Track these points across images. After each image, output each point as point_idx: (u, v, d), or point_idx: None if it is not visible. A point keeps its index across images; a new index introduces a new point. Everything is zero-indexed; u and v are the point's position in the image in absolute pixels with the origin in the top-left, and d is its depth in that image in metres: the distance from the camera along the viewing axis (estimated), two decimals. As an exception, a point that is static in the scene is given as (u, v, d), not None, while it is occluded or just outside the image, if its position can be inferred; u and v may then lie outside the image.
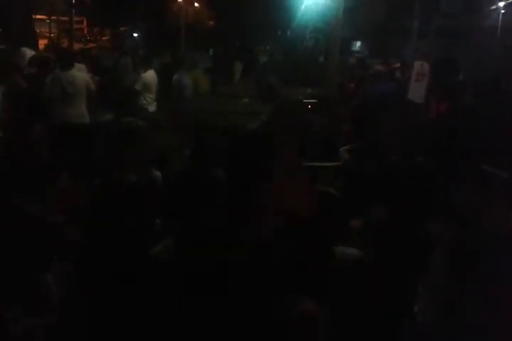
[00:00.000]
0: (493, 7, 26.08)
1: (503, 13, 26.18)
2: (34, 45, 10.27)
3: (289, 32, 22.23)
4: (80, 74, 6.15)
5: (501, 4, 26.18)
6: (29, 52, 7.41)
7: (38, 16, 23.62)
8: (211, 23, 29.65)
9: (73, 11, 22.52)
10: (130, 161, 2.44)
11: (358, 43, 28.40)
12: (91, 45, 22.18)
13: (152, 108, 7.64)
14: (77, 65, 6.34)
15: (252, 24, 22.71)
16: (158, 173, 2.70)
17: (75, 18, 25.13)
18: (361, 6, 21.28)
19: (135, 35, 29.77)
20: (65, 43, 18.57)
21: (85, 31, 37.47)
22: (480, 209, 1.89)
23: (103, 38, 33.19)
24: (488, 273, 1.75)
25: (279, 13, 21.32)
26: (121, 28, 31.76)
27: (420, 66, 6.14)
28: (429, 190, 2.52)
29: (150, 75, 7.84)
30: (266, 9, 22.72)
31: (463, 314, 1.84)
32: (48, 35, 26.38)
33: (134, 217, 2.25)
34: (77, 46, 17.10)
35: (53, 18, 28.09)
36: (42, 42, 15.15)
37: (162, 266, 2.02)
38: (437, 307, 1.97)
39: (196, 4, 29.84)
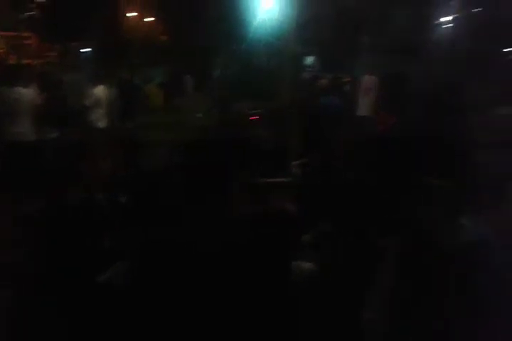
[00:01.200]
0: (441, 21, 27.10)
1: (447, 29, 27.24)
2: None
3: (242, 46, 22.42)
4: (27, 90, 5.99)
5: (445, 19, 27.24)
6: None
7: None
8: (164, 37, 29.55)
9: (22, 26, 21.98)
10: (76, 180, 2.36)
11: (311, 58, 28.88)
12: (40, 60, 21.69)
13: (103, 124, 7.51)
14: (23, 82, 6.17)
15: (206, 38, 22.76)
16: (106, 193, 2.62)
17: (24, 34, 24.54)
18: (312, 21, 21.67)
19: (86, 50, 29.30)
20: (12, 59, 18.09)
21: (34, 47, 36.57)
22: (425, 220, 1.93)
23: (52, 54, 32.48)
24: (436, 282, 1.77)
25: (233, 27, 21.47)
26: (72, 44, 31.18)
27: (368, 80, 6.30)
28: (376, 202, 2.56)
29: (101, 91, 7.72)
30: (219, 23, 22.84)
31: (409, 322, 1.86)
32: (-5, 50, 25.60)
33: (77, 240, 2.17)
34: (25, 62, 16.68)
35: (1, 33, 27.32)
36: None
37: (114, 291, 1.94)
38: (384, 316, 1.99)
39: (149, 19, 29.72)
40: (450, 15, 26.69)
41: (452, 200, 1.94)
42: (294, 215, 2.61)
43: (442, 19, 27.49)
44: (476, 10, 24.63)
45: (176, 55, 19.95)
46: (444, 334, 1.75)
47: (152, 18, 29.58)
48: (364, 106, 6.12)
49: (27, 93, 5.83)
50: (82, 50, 30.24)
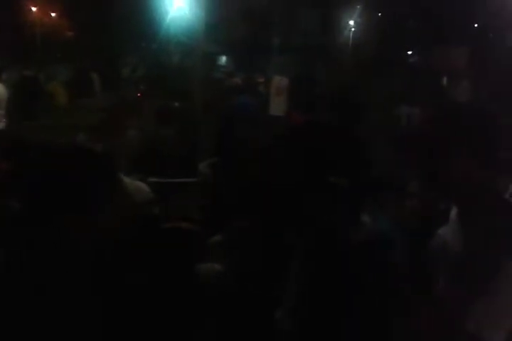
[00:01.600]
0: (345, 25, 28.30)
1: (353, 31, 28.51)
2: None
3: (153, 45, 22.01)
4: None
5: (351, 23, 28.50)
6: None
7: None
8: (70, 33, 28.30)
9: None
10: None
11: (224, 58, 28.98)
12: None
13: (1, 125, 7.03)
14: None
15: (115, 36, 22.10)
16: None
17: None
18: (223, 21, 21.77)
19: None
20: None
21: None
22: (328, 217, 1.96)
23: None
24: (339, 280, 1.80)
25: (143, 25, 21.02)
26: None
27: (279, 81, 6.40)
28: (285, 201, 2.57)
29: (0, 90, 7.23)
30: (129, 21, 22.27)
31: (318, 320, 1.88)
32: None
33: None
34: None
35: None
36: None
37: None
38: (294, 314, 2.01)
39: (53, 14, 28.33)
40: (357, 18, 27.99)
41: (353, 198, 1.98)
42: (196, 217, 2.57)
43: (349, 21, 28.77)
44: (380, 13, 25.98)
45: (82, 52, 19.19)
46: (352, 332, 1.78)
47: (58, 13, 28.28)
48: (276, 106, 6.20)
49: None
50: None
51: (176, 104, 5.46)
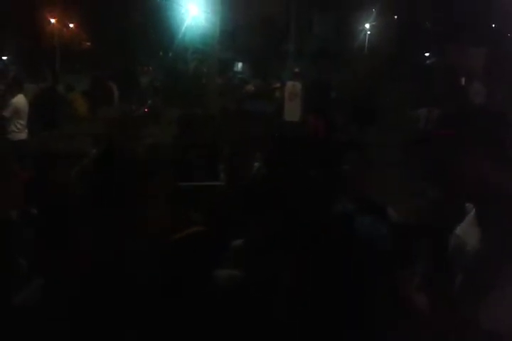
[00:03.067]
0: (360, 29, 28.24)
1: (369, 35, 28.44)
2: None
3: (170, 53, 22.24)
4: None
5: (367, 26, 28.44)
6: None
7: None
8: (88, 44, 28.77)
9: None
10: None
11: (240, 64, 29.13)
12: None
13: (23, 135, 7.18)
14: None
15: (132, 45, 22.39)
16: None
17: None
18: (238, 28, 21.93)
19: (4, 58, 28.01)
20: None
21: None
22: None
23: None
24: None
25: (160, 33, 21.27)
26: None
27: (292, 86, 6.42)
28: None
29: (20, 100, 7.38)
30: (146, 30, 22.56)
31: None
32: None
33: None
34: None
35: None
36: None
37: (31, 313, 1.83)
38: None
39: (71, 25, 28.85)
40: (372, 21, 27.92)
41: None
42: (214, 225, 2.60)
43: (364, 26, 28.70)
44: (396, 16, 25.88)
45: (100, 62, 19.46)
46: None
47: (76, 24, 28.77)
48: (290, 111, 6.23)
49: None
50: (1, 57, 28.94)
51: (196, 111, 5.53)
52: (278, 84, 11.63)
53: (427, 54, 26.40)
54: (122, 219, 1.78)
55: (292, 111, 5.94)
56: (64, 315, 1.66)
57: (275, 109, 7.50)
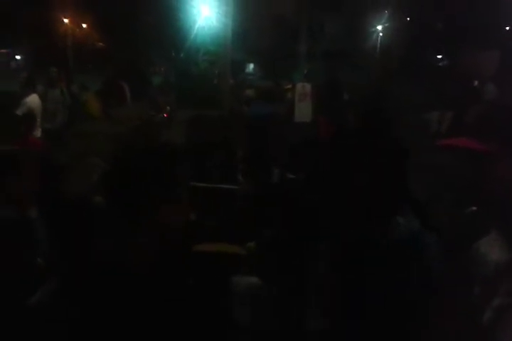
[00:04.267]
0: (372, 30, 28.17)
1: (381, 36, 28.34)
2: None
3: (182, 54, 22.31)
4: None
5: (379, 27, 28.35)
6: None
7: None
8: (100, 44, 28.92)
9: None
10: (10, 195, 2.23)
11: (251, 65, 29.15)
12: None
13: (37, 134, 7.21)
14: None
15: (144, 45, 22.49)
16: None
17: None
18: (251, 29, 21.93)
19: (18, 57, 28.25)
20: None
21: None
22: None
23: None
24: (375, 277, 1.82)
25: (172, 34, 21.34)
26: (3, 50, 29.96)
27: (302, 87, 6.37)
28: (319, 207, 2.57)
29: (34, 100, 7.41)
30: (158, 31, 22.63)
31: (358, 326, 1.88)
32: None
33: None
34: None
35: None
36: None
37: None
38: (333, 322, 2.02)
39: (84, 25, 29.02)
40: (385, 23, 27.81)
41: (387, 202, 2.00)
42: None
43: (375, 28, 28.61)
44: (409, 17, 25.75)
45: (113, 62, 19.55)
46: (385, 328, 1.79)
47: (89, 25, 28.93)
48: (300, 112, 6.20)
49: None
50: (15, 57, 29.16)
51: (208, 112, 5.52)
52: (290, 85, 11.60)
53: (439, 56, 26.26)
54: (139, 221, 1.78)
55: (302, 112, 5.91)
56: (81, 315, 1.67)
57: (286, 110, 7.48)
